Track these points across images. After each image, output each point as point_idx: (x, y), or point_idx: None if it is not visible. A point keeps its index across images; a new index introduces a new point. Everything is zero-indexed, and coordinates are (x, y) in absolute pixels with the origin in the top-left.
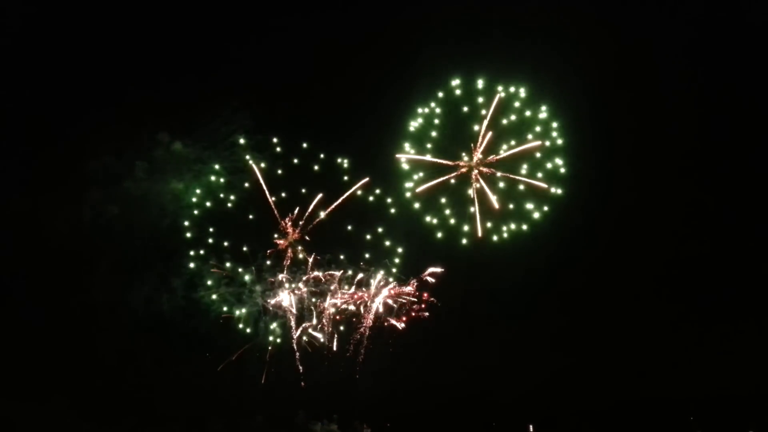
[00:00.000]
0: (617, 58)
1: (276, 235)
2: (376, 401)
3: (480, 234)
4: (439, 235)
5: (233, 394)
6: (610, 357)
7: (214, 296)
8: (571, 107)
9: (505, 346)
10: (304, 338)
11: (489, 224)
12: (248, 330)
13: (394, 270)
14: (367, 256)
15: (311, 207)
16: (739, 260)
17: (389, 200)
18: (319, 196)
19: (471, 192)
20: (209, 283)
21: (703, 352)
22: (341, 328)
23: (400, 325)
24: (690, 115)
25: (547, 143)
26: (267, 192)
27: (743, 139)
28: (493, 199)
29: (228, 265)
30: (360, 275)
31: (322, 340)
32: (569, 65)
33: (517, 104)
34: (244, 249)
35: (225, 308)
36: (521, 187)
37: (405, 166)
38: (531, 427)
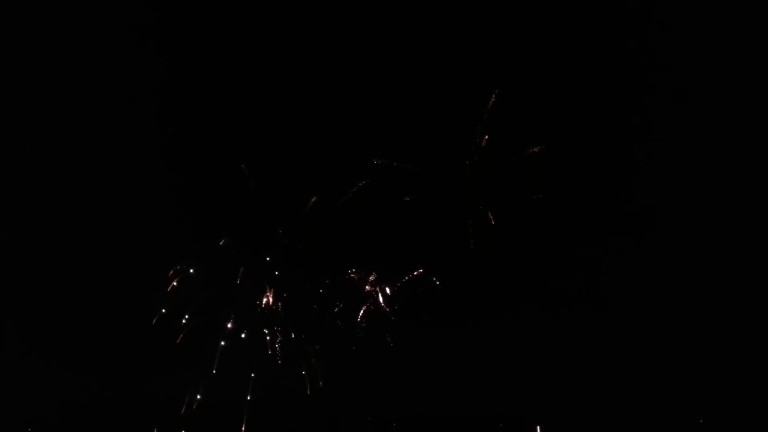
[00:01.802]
0: None
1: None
2: (377, 404)
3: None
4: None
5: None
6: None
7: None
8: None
9: (510, 346)
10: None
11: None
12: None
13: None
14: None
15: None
16: None
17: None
18: (313, 199)
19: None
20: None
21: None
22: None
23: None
24: None
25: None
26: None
27: None
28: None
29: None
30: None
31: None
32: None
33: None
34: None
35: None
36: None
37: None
38: (538, 428)
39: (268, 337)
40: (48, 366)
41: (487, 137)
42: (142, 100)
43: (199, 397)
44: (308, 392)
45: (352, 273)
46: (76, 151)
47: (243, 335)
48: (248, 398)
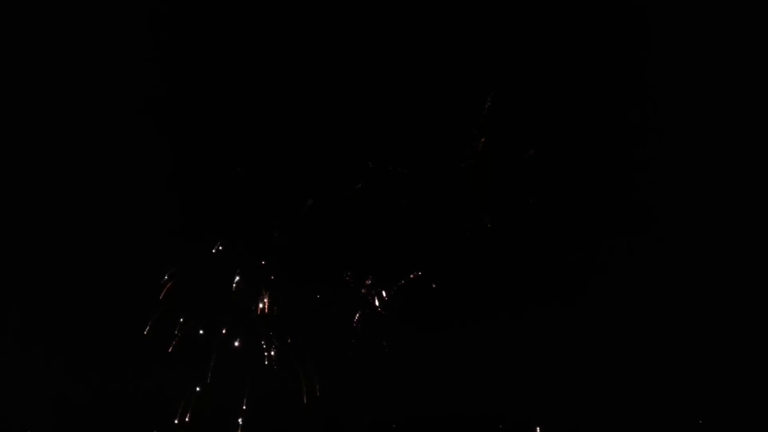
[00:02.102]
0: None
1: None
2: (374, 407)
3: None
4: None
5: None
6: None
7: None
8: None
9: (508, 348)
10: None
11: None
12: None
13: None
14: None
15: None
16: None
17: None
18: (310, 201)
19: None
20: None
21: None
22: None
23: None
24: None
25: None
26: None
27: None
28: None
29: None
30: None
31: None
32: None
33: None
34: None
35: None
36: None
37: None
38: (538, 429)
39: (263, 342)
40: (45, 369)
41: (483, 140)
42: (137, 103)
43: (194, 403)
44: (304, 397)
45: (348, 276)
46: (71, 153)
47: (237, 341)
48: (244, 404)
